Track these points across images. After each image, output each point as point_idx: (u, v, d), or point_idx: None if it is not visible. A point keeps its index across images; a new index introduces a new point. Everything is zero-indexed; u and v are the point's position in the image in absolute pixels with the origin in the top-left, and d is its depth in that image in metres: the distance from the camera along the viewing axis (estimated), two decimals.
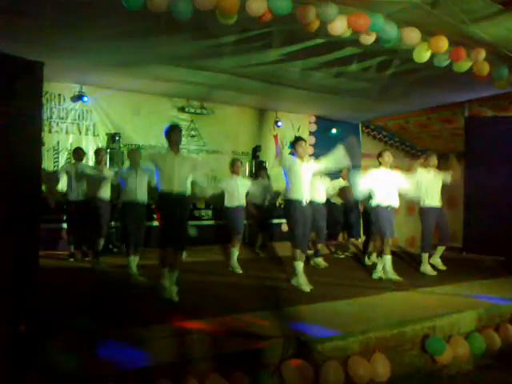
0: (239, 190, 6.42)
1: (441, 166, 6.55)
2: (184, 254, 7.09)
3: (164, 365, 2.94)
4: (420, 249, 6.54)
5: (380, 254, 5.96)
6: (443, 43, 5.11)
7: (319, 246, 6.95)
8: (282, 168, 5.38)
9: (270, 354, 3.17)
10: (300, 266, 5.13)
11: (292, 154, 5.32)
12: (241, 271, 6.19)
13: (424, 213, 6.39)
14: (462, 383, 3.88)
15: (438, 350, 3.76)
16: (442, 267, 6.42)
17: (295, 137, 5.69)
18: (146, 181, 5.66)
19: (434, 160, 6.43)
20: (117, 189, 6.28)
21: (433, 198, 6.33)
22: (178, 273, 4.69)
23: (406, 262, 6.75)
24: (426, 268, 6.32)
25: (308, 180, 5.20)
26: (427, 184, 6.30)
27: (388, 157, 5.84)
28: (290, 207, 5.17)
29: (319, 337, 3.48)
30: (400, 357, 3.65)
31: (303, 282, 5.08)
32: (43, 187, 7.94)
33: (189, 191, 4.87)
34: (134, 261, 5.59)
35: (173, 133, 4.75)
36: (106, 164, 7.07)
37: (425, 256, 6.38)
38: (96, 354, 3.03)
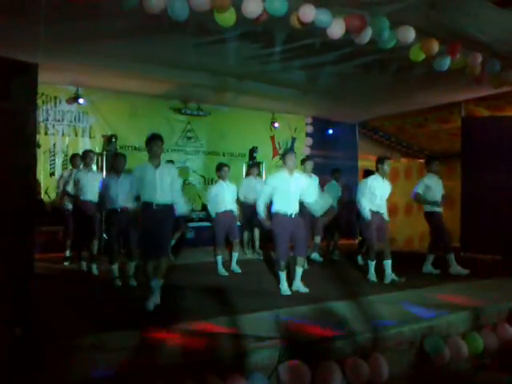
0: (226, 194, 6.32)
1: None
2: (171, 258, 7.13)
3: (162, 368, 2.93)
4: (428, 249, 6.55)
5: (367, 258, 5.99)
6: (434, 45, 5.16)
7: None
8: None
9: (268, 355, 3.16)
10: (282, 275, 5.08)
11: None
12: (227, 274, 6.16)
13: (429, 216, 6.43)
14: (460, 383, 3.89)
15: (436, 350, 3.75)
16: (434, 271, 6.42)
17: (285, 150, 5.56)
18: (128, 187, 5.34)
19: (436, 165, 6.48)
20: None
21: (436, 203, 6.34)
22: (162, 281, 4.48)
23: (404, 262, 6.73)
24: (428, 267, 6.38)
25: (296, 192, 5.11)
26: (433, 189, 6.33)
27: (388, 166, 5.86)
28: (275, 220, 5.08)
29: (316, 338, 3.47)
30: (398, 357, 3.65)
31: (284, 288, 5.05)
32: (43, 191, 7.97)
33: (177, 199, 4.68)
34: (117, 268, 5.46)
35: (153, 143, 4.54)
36: (93, 167, 6.85)
37: (430, 256, 6.41)
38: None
